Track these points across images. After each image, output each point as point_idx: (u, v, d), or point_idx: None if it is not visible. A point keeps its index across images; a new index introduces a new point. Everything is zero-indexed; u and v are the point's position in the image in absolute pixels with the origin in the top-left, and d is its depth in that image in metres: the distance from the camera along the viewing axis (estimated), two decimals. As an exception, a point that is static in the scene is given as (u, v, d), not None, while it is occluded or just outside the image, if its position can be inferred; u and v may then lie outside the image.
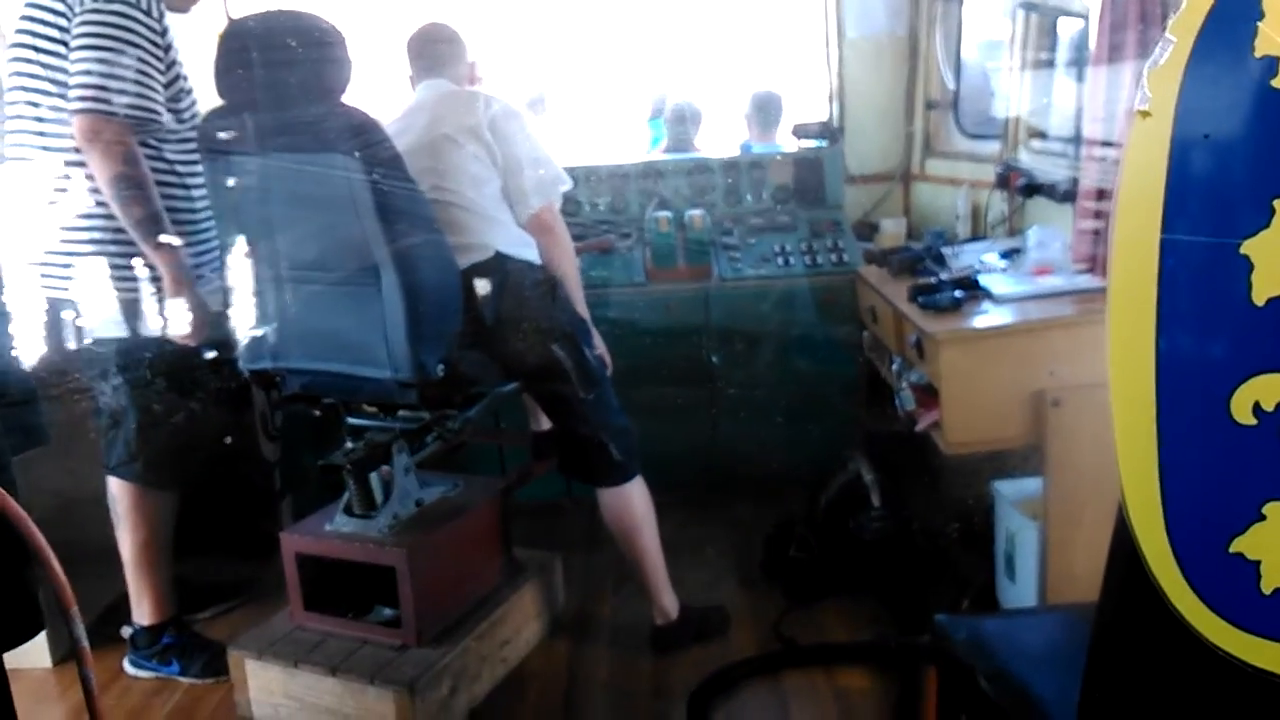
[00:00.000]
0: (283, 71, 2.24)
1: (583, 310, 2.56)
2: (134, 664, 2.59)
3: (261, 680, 2.36)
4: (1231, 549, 0.98)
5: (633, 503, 2.54)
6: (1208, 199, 0.90)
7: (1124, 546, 1.05)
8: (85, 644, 1.46)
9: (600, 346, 2.58)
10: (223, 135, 2.28)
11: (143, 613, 2.57)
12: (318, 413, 2.50)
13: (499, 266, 2.41)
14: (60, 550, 1.51)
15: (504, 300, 2.42)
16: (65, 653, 2.55)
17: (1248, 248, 0.88)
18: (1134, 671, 1.16)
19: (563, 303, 2.50)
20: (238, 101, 2.26)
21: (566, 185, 2.54)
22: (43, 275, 2.42)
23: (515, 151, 2.42)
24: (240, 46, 2.25)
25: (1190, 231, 0.90)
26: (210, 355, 2.47)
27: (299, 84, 2.25)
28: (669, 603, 2.61)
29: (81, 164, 2.30)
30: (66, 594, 1.44)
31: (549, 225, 2.49)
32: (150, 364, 2.44)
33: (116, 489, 2.52)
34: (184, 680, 2.55)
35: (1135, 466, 1.00)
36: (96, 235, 2.37)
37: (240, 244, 2.39)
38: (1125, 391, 0.98)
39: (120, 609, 2.61)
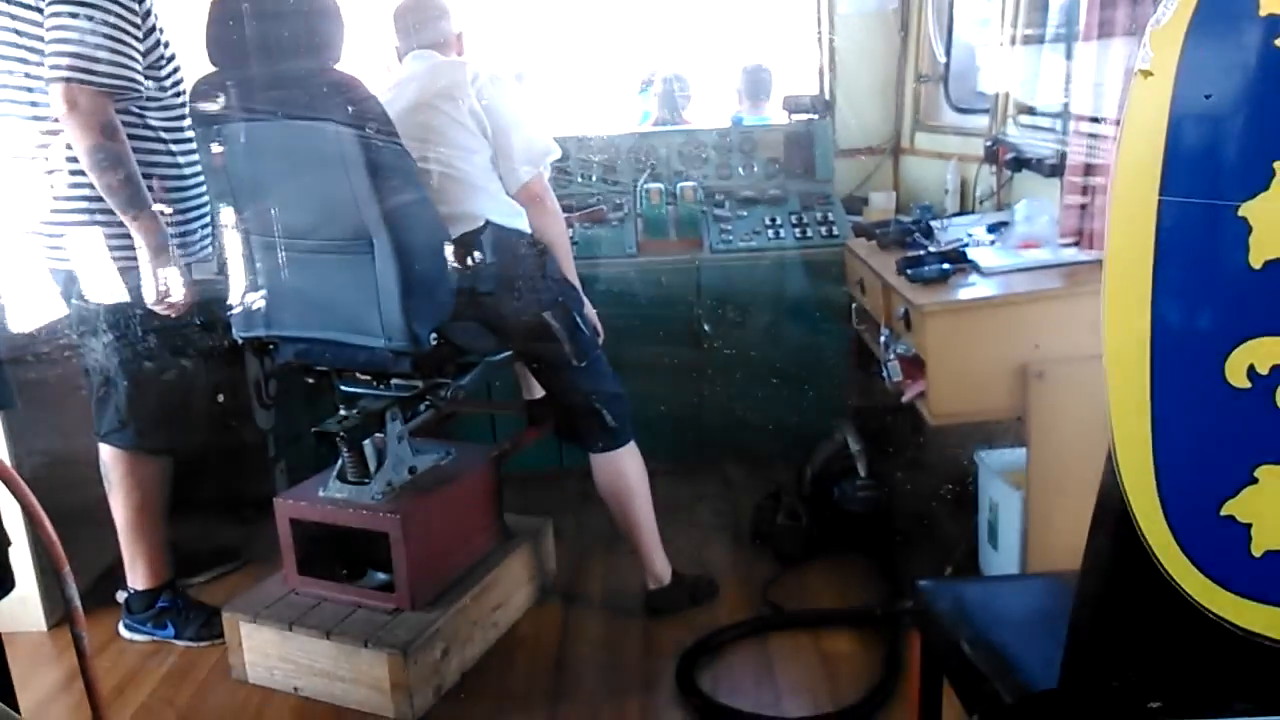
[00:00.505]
0: (275, 38, 2.22)
1: (573, 278, 2.57)
2: (129, 628, 2.60)
3: (256, 643, 2.38)
4: (1223, 512, 1.00)
5: (626, 468, 2.57)
6: (1207, 160, 0.90)
7: (1111, 510, 1.06)
8: (78, 604, 1.47)
9: (592, 314, 2.59)
10: (214, 101, 2.27)
11: (137, 577, 2.57)
12: (311, 380, 2.51)
13: (490, 236, 2.42)
14: (59, 512, 1.52)
15: (495, 269, 2.43)
16: (61, 616, 2.56)
17: (1246, 210, 0.89)
18: (1120, 633, 1.18)
19: (553, 271, 2.51)
20: (230, 68, 2.24)
21: (555, 155, 2.54)
22: (30, 241, 2.41)
23: (504, 120, 2.42)
24: (233, 12, 2.23)
25: (1189, 193, 0.90)
26: (199, 322, 2.47)
27: (291, 50, 2.24)
28: (661, 567, 2.65)
29: (61, 132, 2.28)
30: (58, 554, 1.45)
31: (538, 195, 2.49)
32: (139, 330, 2.44)
33: (108, 456, 2.52)
34: (179, 644, 2.57)
35: (1128, 428, 1.01)
36: (81, 203, 2.35)
37: (233, 210, 2.39)
38: (1119, 353, 0.99)
39: (118, 571, 2.61)
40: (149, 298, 2.36)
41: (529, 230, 2.49)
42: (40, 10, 2.23)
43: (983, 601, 1.71)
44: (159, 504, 2.56)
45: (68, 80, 2.21)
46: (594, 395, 2.51)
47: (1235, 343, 0.94)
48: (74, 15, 2.21)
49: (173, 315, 2.40)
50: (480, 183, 2.43)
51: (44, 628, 2.59)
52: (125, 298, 2.39)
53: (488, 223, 2.42)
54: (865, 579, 2.74)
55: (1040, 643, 1.42)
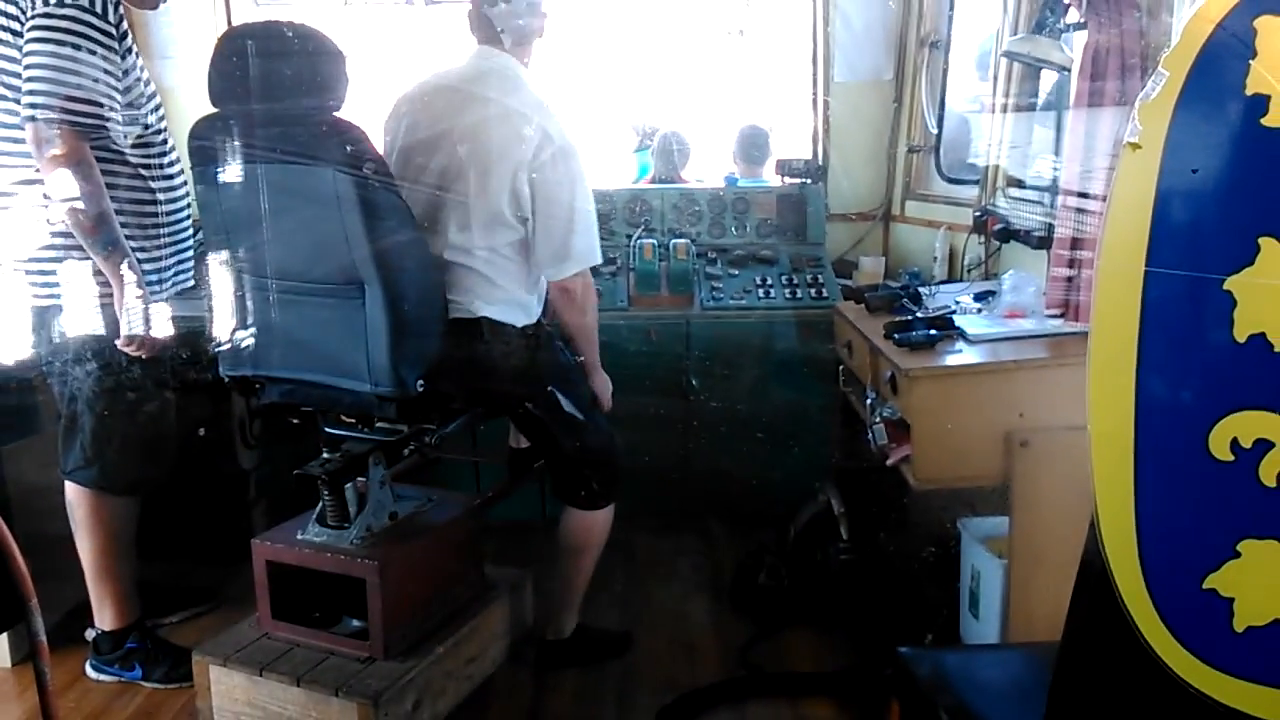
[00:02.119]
0: (278, 81, 2.23)
1: (595, 363, 2.55)
2: (95, 668, 2.55)
3: (225, 687, 2.33)
4: (1205, 585, 0.99)
5: (597, 527, 2.57)
6: (1193, 233, 0.91)
7: (1094, 581, 1.06)
8: (43, 638, 1.45)
9: (603, 385, 2.58)
10: (212, 141, 2.28)
11: (105, 618, 2.53)
12: (295, 421, 2.49)
13: (481, 330, 2.38)
14: (36, 544, 1.49)
15: (481, 363, 2.40)
16: (26, 653, 2.51)
17: (1231, 284, 0.90)
18: (1101, 706, 1.17)
19: (546, 357, 2.49)
20: (231, 109, 2.25)
21: (596, 261, 2.46)
22: (16, 274, 2.40)
23: (554, 212, 2.35)
24: (237, 54, 2.25)
25: (1175, 265, 0.91)
26: (179, 359, 2.46)
27: (293, 94, 2.25)
28: (568, 622, 2.66)
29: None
30: (27, 585, 1.43)
31: (569, 289, 2.44)
32: (107, 368, 2.42)
33: (73, 493, 2.49)
34: (146, 685, 2.52)
35: (1112, 499, 1.00)
36: (57, 238, 2.35)
37: (226, 250, 2.39)
38: (1104, 424, 0.99)
39: (88, 608, 2.56)
40: (118, 337, 2.35)
41: (525, 321, 2.45)
42: (20, 49, 2.25)
43: (963, 670, 1.70)
44: (125, 544, 2.52)
45: (37, 118, 2.22)
46: (584, 464, 2.50)
47: (1219, 416, 0.94)
48: (49, 53, 2.22)
49: (142, 355, 2.38)
50: (487, 272, 2.37)
51: (8, 664, 2.54)
52: (93, 334, 2.38)
53: (482, 318, 2.38)
54: (845, 643, 2.71)
55: (1020, 714, 1.42)
